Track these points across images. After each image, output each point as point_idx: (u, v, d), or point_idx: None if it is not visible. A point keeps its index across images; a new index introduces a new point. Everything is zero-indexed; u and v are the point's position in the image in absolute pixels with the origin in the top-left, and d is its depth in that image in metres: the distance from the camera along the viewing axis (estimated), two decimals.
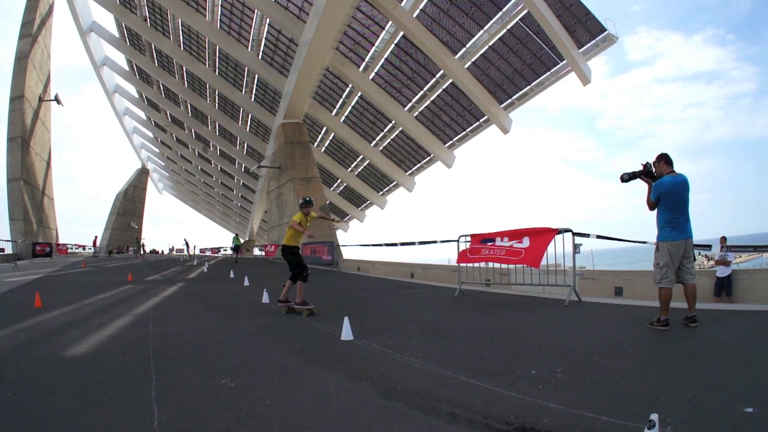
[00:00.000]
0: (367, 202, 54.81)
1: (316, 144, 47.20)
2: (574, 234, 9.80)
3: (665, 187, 6.62)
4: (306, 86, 33.90)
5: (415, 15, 28.63)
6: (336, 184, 54.78)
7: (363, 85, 35.13)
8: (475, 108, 34.19)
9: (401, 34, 30.62)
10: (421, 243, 17.04)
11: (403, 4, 28.19)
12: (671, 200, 6.60)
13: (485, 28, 28.68)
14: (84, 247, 52.74)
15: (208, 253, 62.79)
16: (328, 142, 47.92)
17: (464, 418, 3.63)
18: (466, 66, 31.24)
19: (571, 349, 5.74)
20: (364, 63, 34.28)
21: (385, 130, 41.87)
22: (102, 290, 13.35)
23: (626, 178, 7.13)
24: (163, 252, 79.85)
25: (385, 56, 33.23)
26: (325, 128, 44.86)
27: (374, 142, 43.78)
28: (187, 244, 50.54)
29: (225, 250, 59.36)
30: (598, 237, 10.21)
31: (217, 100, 49.55)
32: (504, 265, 11.55)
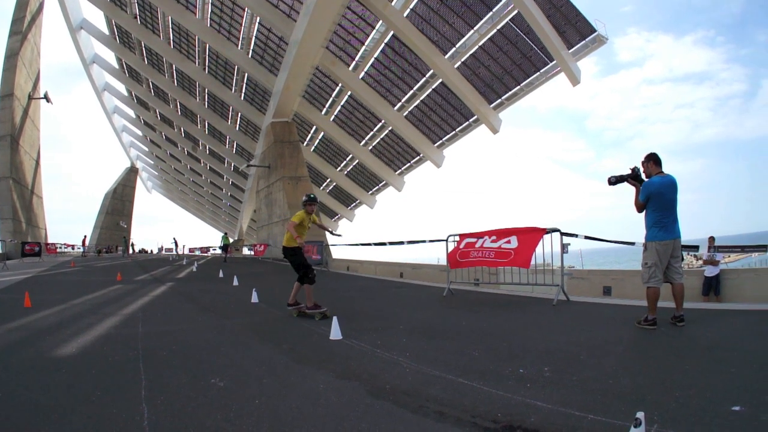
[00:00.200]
0: (357, 202, 54.79)
1: (305, 143, 47.12)
2: (563, 234, 9.85)
3: (654, 188, 6.65)
4: (296, 85, 33.83)
5: (405, 14, 28.63)
6: (325, 183, 54.70)
7: (353, 84, 35.10)
8: (465, 108, 34.26)
9: (391, 33, 30.61)
10: (409, 242, 17.08)
11: (393, 3, 28.19)
12: (660, 201, 6.64)
13: (475, 28, 28.73)
14: (73, 247, 52.35)
15: (197, 253, 62.54)
16: (317, 141, 47.85)
17: (452, 416, 3.65)
18: (456, 66, 31.29)
19: (558, 348, 5.76)
20: (354, 62, 34.24)
21: (375, 130, 41.86)
22: (91, 290, 13.30)
23: (613, 180, 7.14)
24: (152, 251, 79.46)
25: (375, 55, 33.20)
26: (314, 127, 44.80)
27: (364, 141, 43.76)
28: (176, 244, 50.35)
29: (214, 249, 59.09)
30: (586, 237, 10.26)
31: (206, 99, 49.35)
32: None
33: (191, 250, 65.10)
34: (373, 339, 6.40)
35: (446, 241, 11.85)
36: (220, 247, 38.24)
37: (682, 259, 7.29)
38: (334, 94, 39.08)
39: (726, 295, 14.07)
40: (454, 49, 30.46)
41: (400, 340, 6.30)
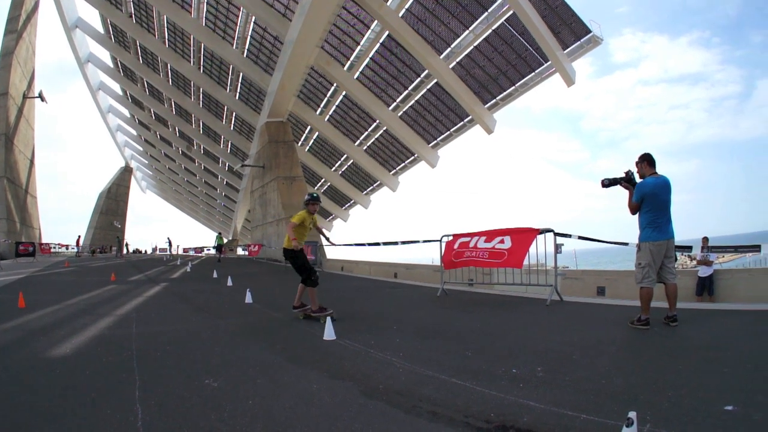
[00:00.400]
0: (351, 202, 54.72)
1: (300, 143, 47.06)
2: (556, 234, 9.86)
3: (648, 189, 6.67)
4: (291, 85, 33.77)
5: (400, 14, 28.59)
6: (320, 183, 54.62)
7: (348, 84, 35.05)
8: (460, 108, 34.22)
9: (387, 33, 30.57)
10: (403, 243, 17.07)
11: (389, 3, 28.16)
12: (654, 202, 6.65)
13: (470, 29, 28.71)
14: (67, 247, 52.21)
15: (191, 253, 62.43)
16: (312, 141, 47.78)
17: (445, 416, 3.65)
18: (450, 66, 31.26)
19: (551, 348, 5.78)
20: (349, 62, 34.18)
21: (369, 130, 41.81)
22: (85, 290, 13.30)
23: (607, 183, 7.15)
24: (146, 251, 79.30)
25: (370, 55, 33.15)
26: (309, 127, 44.70)
27: (358, 141, 43.71)
28: (170, 244, 50.26)
29: (208, 249, 58.95)
30: (580, 238, 10.27)
31: (201, 98, 49.21)
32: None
33: (185, 250, 65.00)
34: (366, 339, 6.41)
35: (440, 241, 11.84)
36: (214, 247, 38.17)
37: (676, 260, 7.32)
38: (329, 94, 38.98)
39: (720, 296, 14.12)
40: (449, 49, 30.45)
41: (394, 341, 6.31)
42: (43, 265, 27.55)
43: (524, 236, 9.88)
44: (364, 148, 44.12)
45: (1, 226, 35.06)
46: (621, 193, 7.06)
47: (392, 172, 45.95)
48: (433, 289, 12.37)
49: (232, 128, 51.54)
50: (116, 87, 58.35)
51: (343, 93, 37.44)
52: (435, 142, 39.27)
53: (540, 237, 9.88)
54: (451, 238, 11.61)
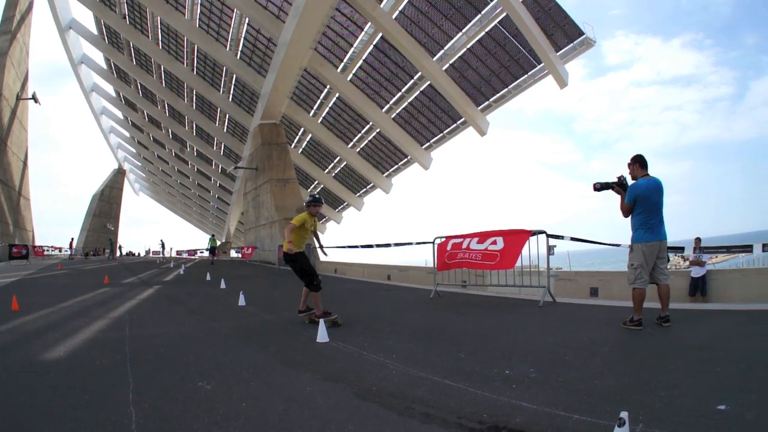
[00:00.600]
0: (344, 204, 54.67)
1: (293, 145, 47.04)
2: (548, 236, 9.87)
3: (640, 191, 6.69)
4: (284, 87, 33.78)
5: (394, 16, 28.60)
6: (313, 185, 54.57)
7: (341, 86, 35.06)
8: (453, 110, 34.28)
9: (380, 35, 30.59)
10: (396, 245, 17.13)
11: (382, 5, 28.18)
12: (646, 203, 6.68)
13: (464, 31, 28.77)
14: (60, 249, 52.03)
15: (184, 255, 62.27)
16: (305, 143, 47.74)
17: (438, 417, 3.66)
18: (444, 68, 31.32)
19: (544, 349, 5.79)
20: (342, 64, 34.19)
21: (363, 132, 41.81)
22: (79, 293, 13.27)
23: (599, 187, 7.17)
24: (139, 254, 79.07)
25: (364, 57, 33.18)
26: (302, 129, 44.70)
27: (351, 143, 43.70)
28: (163, 246, 50.13)
29: (201, 252, 58.76)
30: (572, 239, 10.31)
31: (194, 100, 49.11)
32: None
33: (178, 252, 64.84)
34: (359, 341, 6.41)
35: (433, 243, 11.85)
36: (207, 250, 38.07)
37: (668, 261, 7.34)
38: (322, 96, 38.97)
39: (712, 296, 14.19)
40: (442, 51, 30.49)
41: (387, 342, 6.31)
42: (37, 267, 27.45)
43: (517, 238, 9.90)
44: (358, 150, 44.12)
45: None
46: (615, 195, 7.07)
47: (385, 174, 45.96)
48: (426, 291, 12.37)
49: (225, 130, 51.47)
50: (109, 88, 58.24)
51: (337, 95, 37.46)
52: (428, 144, 39.31)
53: (533, 239, 9.90)
54: (443, 239, 11.61)
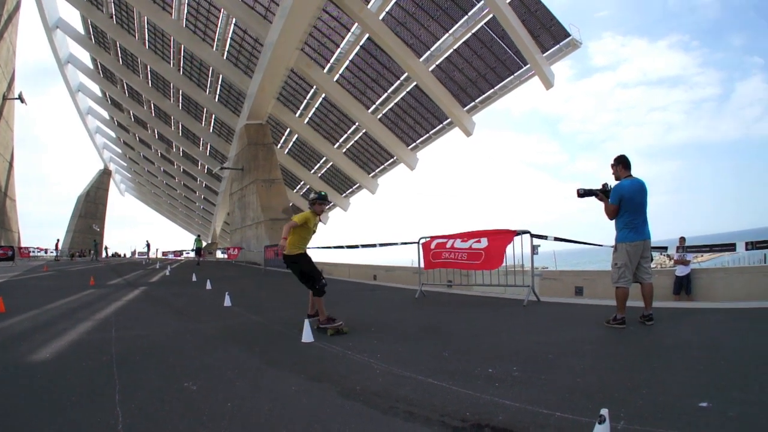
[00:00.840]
0: (330, 204, 54.58)
1: (279, 145, 46.97)
2: (533, 236, 9.92)
3: (625, 191, 6.73)
4: (270, 87, 33.76)
5: (381, 17, 28.60)
6: (299, 186, 54.52)
7: (327, 86, 35.03)
8: (439, 111, 34.34)
9: (366, 36, 30.59)
10: (381, 245, 17.18)
11: (369, 6, 28.20)
12: (630, 203, 6.72)
13: (450, 32, 28.81)
14: (46, 251, 51.70)
15: (170, 256, 61.94)
16: (291, 143, 47.67)
17: (421, 416, 3.68)
18: (430, 69, 31.36)
19: (527, 348, 5.83)
20: (328, 64, 34.15)
21: (349, 132, 41.80)
22: (65, 295, 13.23)
23: (582, 193, 7.19)
24: (125, 255, 78.58)
25: (350, 58, 33.16)
26: (288, 130, 44.63)
27: (338, 143, 43.67)
28: (148, 247, 49.90)
29: (188, 252, 58.44)
30: (556, 239, 10.37)
31: (180, 100, 48.92)
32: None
33: (164, 253, 64.52)
34: (344, 341, 6.43)
35: (418, 243, 11.86)
36: (193, 250, 37.94)
37: (652, 260, 7.39)
38: (308, 97, 38.92)
39: (697, 294, 14.30)
40: (428, 52, 30.54)
41: (372, 342, 6.32)
42: (23, 269, 27.31)
43: (501, 238, 9.93)
44: (344, 150, 44.10)
45: None
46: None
47: (371, 174, 45.96)
48: (412, 291, 12.37)
49: (211, 130, 51.27)
50: (96, 88, 57.85)
51: (323, 95, 37.44)
52: (414, 144, 39.35)
53: (517, 238, 9.94)
54: (428, 239, 11.64)
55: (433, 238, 11.51)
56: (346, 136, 42.46)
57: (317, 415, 3.80)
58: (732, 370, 4.51)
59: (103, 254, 63.22)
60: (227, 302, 10.57)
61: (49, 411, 3.98)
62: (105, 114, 64.45)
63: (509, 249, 9.88)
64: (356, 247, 18.91)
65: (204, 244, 41.47)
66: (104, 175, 78.14)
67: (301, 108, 40.60)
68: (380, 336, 6.78)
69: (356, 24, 29.89)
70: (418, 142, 39.11)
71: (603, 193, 7.01)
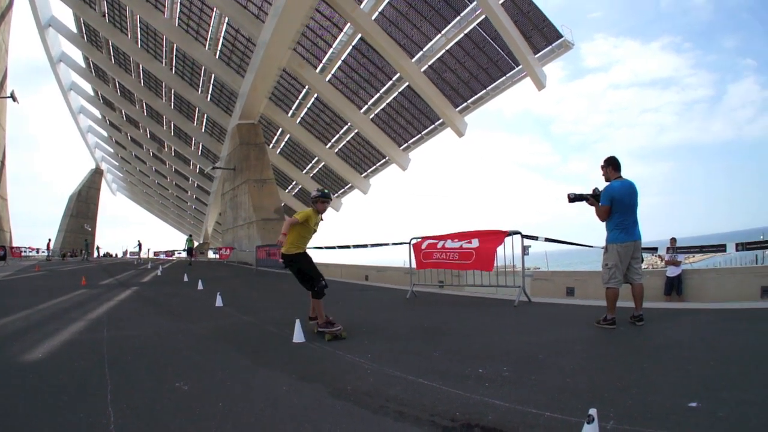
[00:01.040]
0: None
1: (271, 145, 46.90)
2: (523, 236, 9.94)
3: (615, 192, 6.75)
4: (262, 87, 33.73)
5: (373, 17, 28.65)
6: (291, 186, 54.46)
7: (320, 86, 35.04)
8: (431, 111, 34.42)
9: (359, 36, 30.63)
10: (373, 245, 17.21)
11: (362, 6, 28.23)
12: (620, 205, 6.74)
13: (443, 32, 28.88)
14: (38, 250, 51.47)
15: (162, 256, 61.70)
16: (283, 143, 47.62)
17: (411, 416, 3.69)
18: (422, 69, 31.43)
19: (517, 348, 5.85)
20: (321, 64, 34.17)
21: (341, 132, 41.82)
22: (57, 295, 13.18)
23: (573, 198, 7.19)
24: (116, 255, 78.24)
25: (343, 58, 33.20)
26: (280, 129, 44.61)
27: (330, 144, 43.68)
28: (140, 247, 49.73)
29: (179, 252, 58.18)
30: (547, 240, 10.40)
31: (172, 100, 48.76)
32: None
33: (156, 253, 64.29)
34: (335, 341, 6.43)
35: (409, 244, 11.87)
36: (184, 250, 37.83)
37: (643, 261, 7.42)
38: (300, 96, 38.94)
39: (688, 295, 14.36)
40: (421, 52, 30.59)
41: (362, 342, 6.32)
42: (14, 269, 27.21)
43: (492, 238, 9.95)
44: (336, 150, 44.11)
45: None
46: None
47: (363, 174, 45.97)
48: (403, 292, 12.37)
49: (203, 130, 51.17)
50: (88, 87, 57.67)
51: (315, 95, 37.46)
52: (406, 144, 39.41)
53: (508, 239, 9.96)
54: (419, 239, 11.64)
55: (424, 238, 11.52)
56: (338, 136, 42.48)
57: (308, 415, 3.80)
58: (722, 371, 4.53)
59: (95, 254, 62.96)
60: (219, 302, 10.55)
61: (42, 411, 3.97)
62: (97, 113, 64.18)
63: (500, 249, 9.90)
64: (348, 247, 18.94)
65: (196, 244, 41.34)
66: (96, 175, 77.80)
67: (294, 108, 40.58)
68: (371, 336, 6.78)
69: (349, 24, 29.95)
70: (410, 142, 39.17)
71: (594, 198, 7.03)
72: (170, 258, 58.06)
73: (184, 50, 37.59)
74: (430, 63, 31.14)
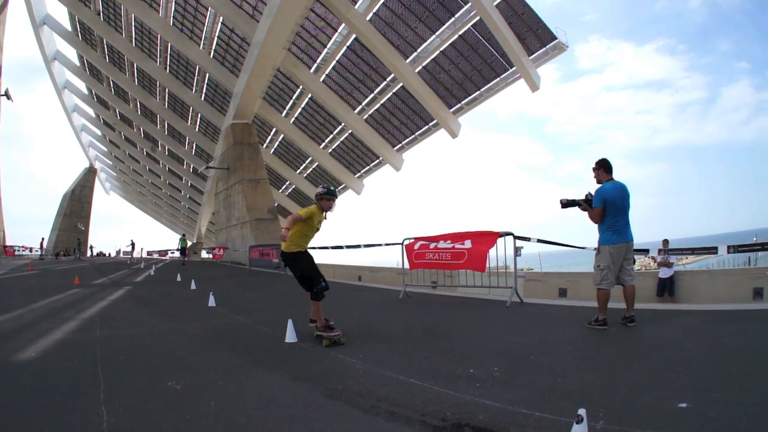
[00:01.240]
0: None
1: (265, 145, 46.79)
2: (515, 237, 9.96)
3: (608, 194, 6.78)
4: (257, 86, 33.66)
5: (368, 18, 28.65)
6: (284, 186, 54.33)
7: (314, 86, 34.99)
8: (425, 112, 34.43)
9: (354, 36, 30.59)
10: (366, 246, 17.22)
11: (357, 6, 28.22)
12: (613, 206, 6.77)
13: (437, 33, 28.90)
14: (31, 249, 51.29)
15: (155, 256, 61.46)
16: (277, 143, 47.53)
17: (402, 415, 3.72)
18: (417, 70, 31.43)
19: (509, 348, 5.88)
20: (315, 64, 34.13)
21: (335, 132, 41.76)
22: (50, 294, 13.17)
23: (565, 203, 7.22)
24: (110, 254, 77.88)
25: (337, 58, 33.16)
26: (274, 129, 44.49)
27: (324, 144, 43.62)
28: (133, 246, 49.63)
29: (172, 252, 57.90)
30: (539, 241, 10.43)
31: (167, 99, 48.58)
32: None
33: (149, 253, 64.04)
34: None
35: (402, 244, 11.87)
36: (177, 250, 37.73)
37: (635, 262, 7.45)
38: (294, 96, 38.87)
39: (680, 296, 14.41)
40: (415, 53, 30.60)
41: (354, 342, 6.32)
42: (8, 268, 27.22)
43: (484, 239, 9.97)
44: (329, 150, 44.07)
45: None
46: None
47: (357, 175, 45.90)
48: (396, 292, 12.34)
49: (197, 130, 50.99)
50: (82, 86, 57.38)
51: (309, 95, 37.41)
52: (400, 145, 39.41)
53: (500, 240, 9.97)
54: (412, 240, 11.65)
55: (417, 239, 11.53)
56: (332, 136, 42.44)
57: (300, 414, 3.83)
58: (712, 372, 4.56)
59: (88, 253, 62.72)
60: (212, 302, 10.54)
61: (34, 410, 3.98)
62: (91, 112, 63.91)
63: (493, 250, 9.92)
64: (341, 248, 18.94)
65: (189, 243, 41.24)
66: (89, 174, 77.40)
67: (288, 108, 40.51)
68: (363, 336, 6.78)
69: (343, 24, 29.92)
70: (404, 143, 39.17)
71: (586, 203, 7.05)
72: (163, 257, 57.88)
73: (178, 49, 37.43)
74: (424, 64, 31.14)
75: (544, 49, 27.27)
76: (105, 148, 75.65)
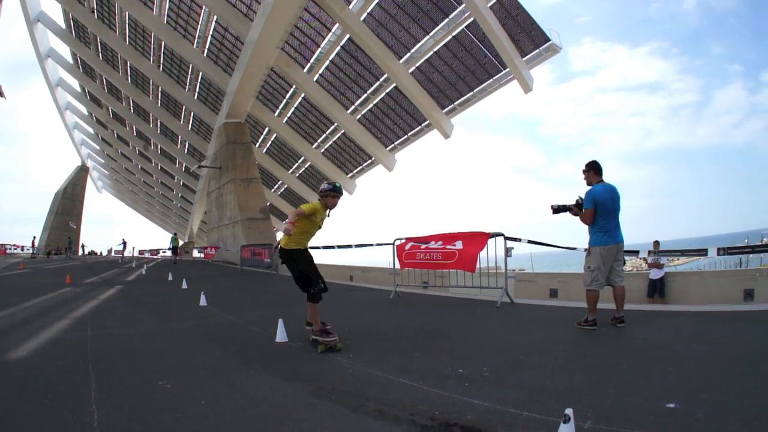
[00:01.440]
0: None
1: (257, 144, 46.74)
2: (506, 238, 9.99)
3: (598, 196, 6.82)
4: (250, 86, 33.64)
5: (362, 18, 28.66)
6: (277, 185, 54.29)
7: (307, 86, 34.99)
8: (418, 112, 34.50)
9: (347, 36, 30.61)
10: (357, 246, 17.26)
11: (351, 6, 28.24)
12: (603, 208, 6.81)
13: (431, 34, 28.94)
14: (23, 248, 51.07)
15: (147, 255, 61.28)
16: (269, 142, 47.50)
17: (391, 414, 3.73)
18: (410, 71, 31.47)
19: (498, 348, 5.89)
20: (309, 64, 34.11)
21: (327, 132, 41.76)
22: (41, 293, 13.13)
23: (556, 209, 7.26)
24: (101, 253, 77.56)
25: (330, 58, 33.16)
26: (267, 129, 44.46)
27: (316, 143, 43.61)
28: (124, 245, 49.50)
29: (164, 251, 57.72)
30: (529, 242, 10.46)
31: (159, 97, 48.38)
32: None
33: (141, 252, 63.86)
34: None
35: (393, 244, 11.89)
36: (169, 249, 37.65)
37: (625, 263, 7.48)
38: (287, 96, 38.85)
39: (671, 297, 14.45)
40: (409, 54, 30.63)
41: (344, 342, 6.29)
42: None
43: (475, 240, 9.99)
44: (322, 150, 44.05)
45: None
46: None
47: (349, 175, 45.87)
48: (387, 292, 12.34)
49: (189, 128, 50.83)
50: (75, 84, 57.16)
51: (302, 95, 37.41)
52: (392, 145, 39.46)
53: (491, 241, 9.99)
54: (403, 241, 11.66)
55: (408, 239, 11.55)
56: (324, 136, 42.43)
57: (289, 413, 3.84)
58: (701, 372, 4.59)
59: (80, 252, 62.48)
60: (203, 302, 10.54)
61: (25, 408, 3.98)
62: (84, 110, 63.64)
63: (484, 251, 9.94)
64: (332, 248, 18.95)
65: (180, 242, 41.13)
66: (82, 172, 77.02)
67: (280, 107, 40.49)
68: (353, 336, 6.78)
69: (337, 24, 29.94)
70: (396, 143, 39.21)
71: (577, 207, 7.09)
72: (155, 257, 57.71)
73: (172, 48, 37.33)
74: (417, 64, 31.19)
75: (538, 50, 27.32)
76: (97, 146, 75.35)
